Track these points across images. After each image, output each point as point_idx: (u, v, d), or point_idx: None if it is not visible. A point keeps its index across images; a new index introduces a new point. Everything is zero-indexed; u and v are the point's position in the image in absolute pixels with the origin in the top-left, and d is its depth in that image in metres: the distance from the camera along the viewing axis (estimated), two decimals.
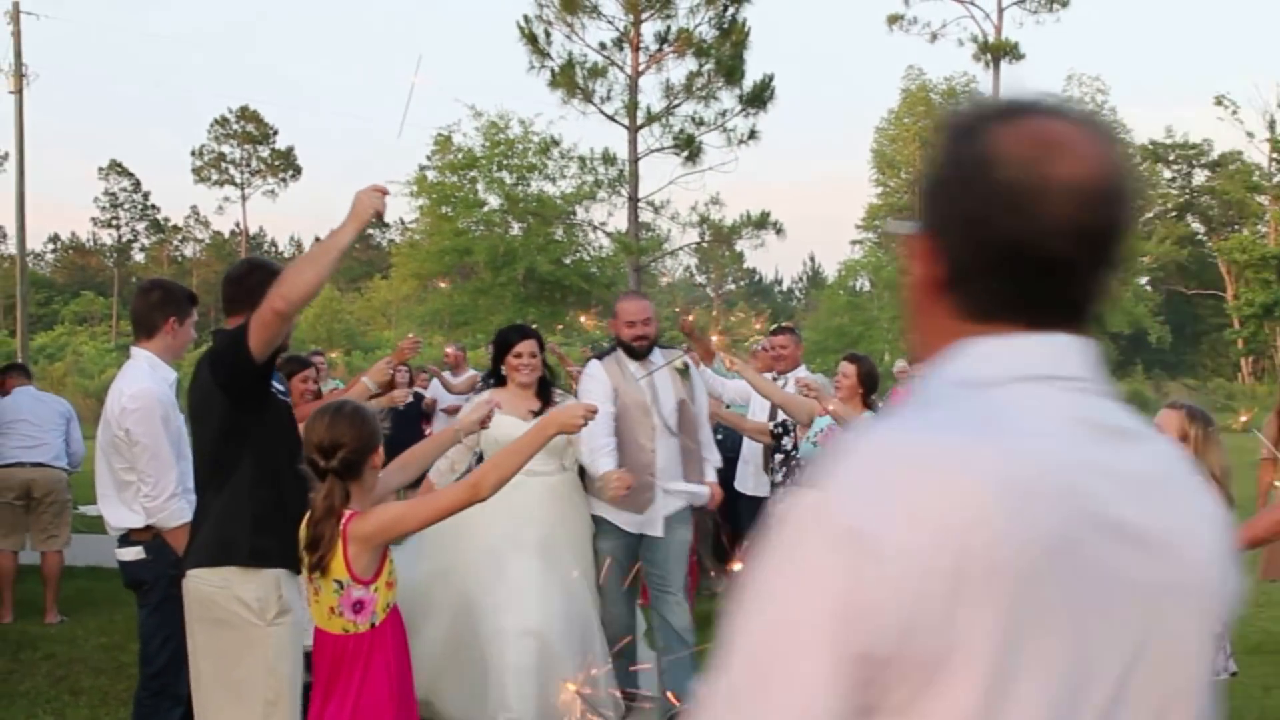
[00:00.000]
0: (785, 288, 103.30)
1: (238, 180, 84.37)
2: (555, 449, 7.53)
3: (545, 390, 7.92)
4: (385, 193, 4.92)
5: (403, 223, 49.82)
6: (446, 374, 16.22)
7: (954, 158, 1.60)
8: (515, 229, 39.71)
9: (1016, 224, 1.53)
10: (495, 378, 7.98)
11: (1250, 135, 66.03)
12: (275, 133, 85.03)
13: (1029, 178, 1.52)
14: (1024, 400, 1.54)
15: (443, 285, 34.09)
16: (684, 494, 7.99)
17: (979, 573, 1.39)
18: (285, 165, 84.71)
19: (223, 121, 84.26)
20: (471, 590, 7.47)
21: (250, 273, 5.51)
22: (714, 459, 8.39)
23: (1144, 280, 64.63)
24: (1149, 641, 1.54)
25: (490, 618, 7.35)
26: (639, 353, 7.94)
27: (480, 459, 7.63)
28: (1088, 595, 1.48)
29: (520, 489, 6.32)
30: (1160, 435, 1.64)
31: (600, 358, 8.08)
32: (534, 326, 8.49)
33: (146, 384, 6.04)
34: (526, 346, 7.80)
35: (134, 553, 6.28)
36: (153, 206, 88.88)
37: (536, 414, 7.53)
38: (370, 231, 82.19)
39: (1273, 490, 9.54)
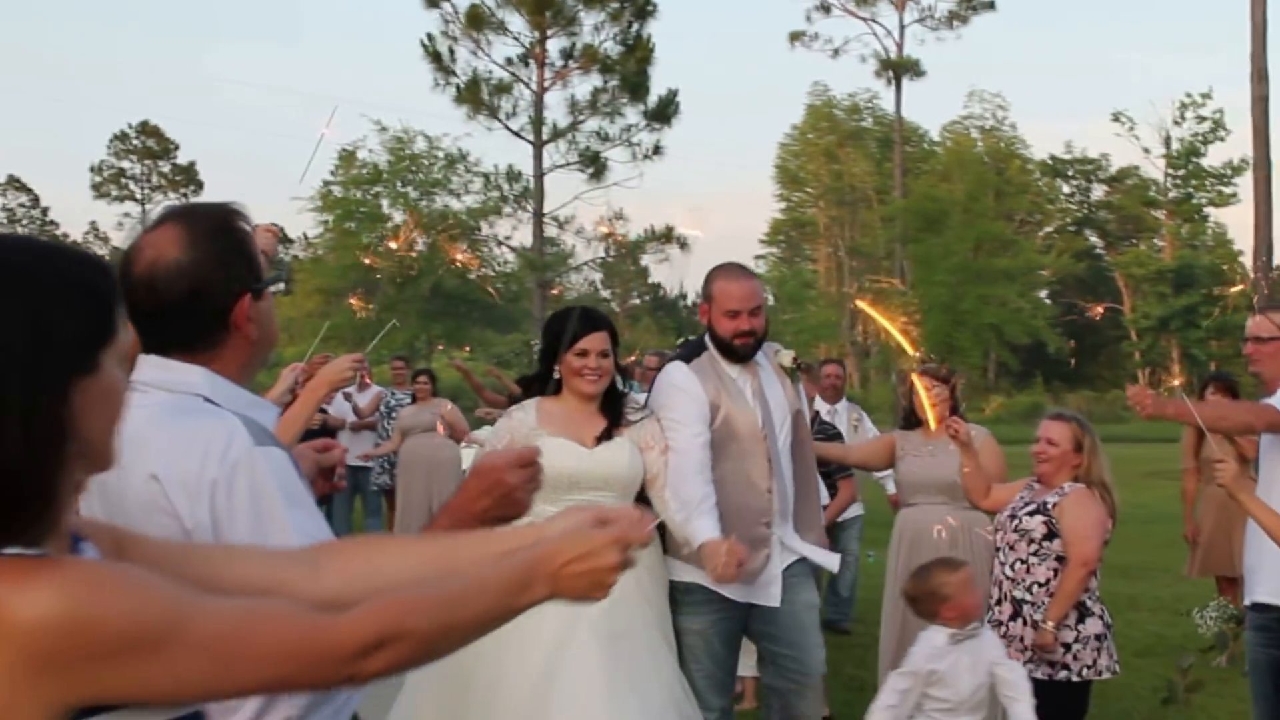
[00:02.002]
0: (690, 302, 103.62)
1: (138, 196, 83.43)
2: (622, 487, 5.35)
3: (614, 405, 5.48)
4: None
5: (306, 238, 49.56)
6: (353, 391, 15.30)
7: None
8: (420, 244, 39.63)
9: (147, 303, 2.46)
10: (543, 384, 5.46)
11: (1146, 151, 67.35)
12: (176, 148, 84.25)
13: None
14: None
15: (354, 303, 34.07)
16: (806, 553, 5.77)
17: None
18: (187, 180, 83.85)
19: (122, 137, 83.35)
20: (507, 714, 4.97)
21: None
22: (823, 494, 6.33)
23: (1043, 293, 65.51)
24: None
25: None
26: (742, 355, 5.64)
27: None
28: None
29: None
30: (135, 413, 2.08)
31: (687, 360, 5.65)
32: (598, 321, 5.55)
33: None
34: (596, 342, 5.35)
35: None
36: (51, 222, 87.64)
37: (602, 438, 5.37)
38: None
39: (1199, 496, 9.91)
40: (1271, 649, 5.78)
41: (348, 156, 43.18)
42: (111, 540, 1.82)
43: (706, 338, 5.72)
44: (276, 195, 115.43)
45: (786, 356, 5.83)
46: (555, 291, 34.90)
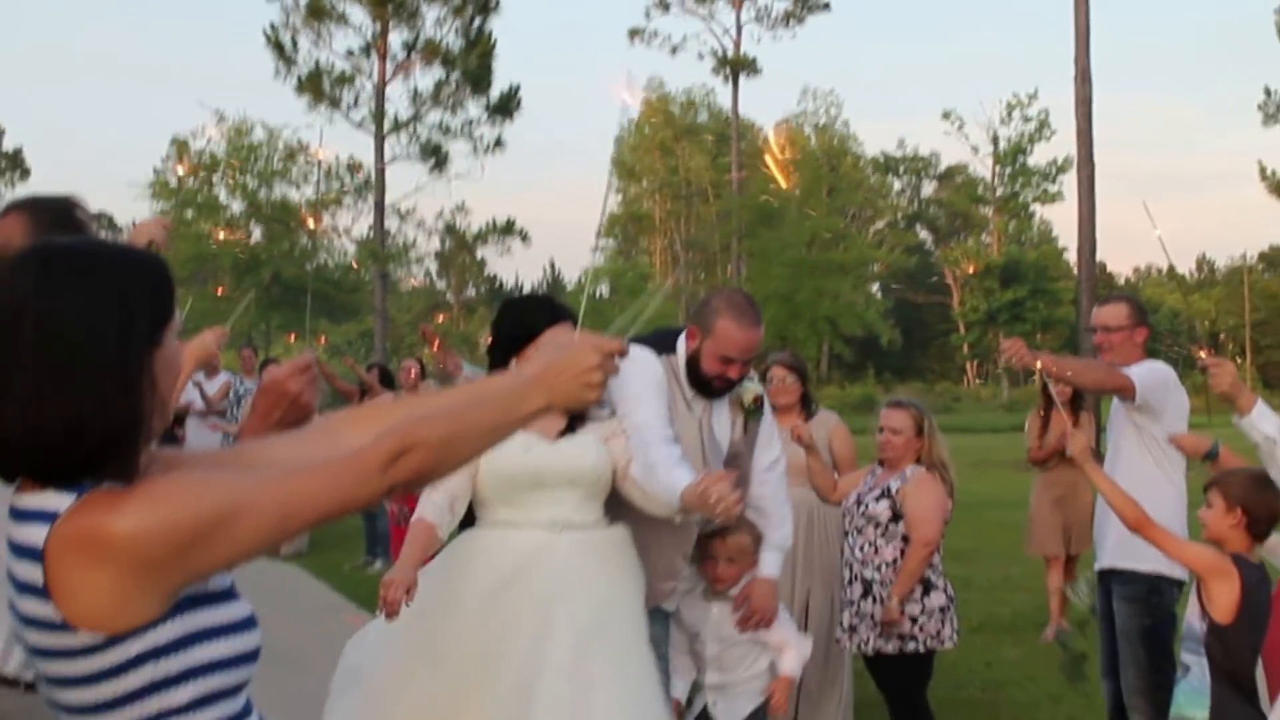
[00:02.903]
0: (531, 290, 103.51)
1: None
2: (588, 483, 4.81)
3: None
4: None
5: (136, 226, 48.69)
6: (201, 379, 14.66)
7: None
8: (258, 234, 39.33)
9: None
10: None
11: (975, 149, 68.97)
12: (1, 133, 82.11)
13: None
14: None
15: (220, 293, 33.64)
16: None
17: None
18: (13, 166, 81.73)
19: None
20: None
21: None
22: (778, 537, 5.47)
23: (875, 287, 66.83)
24: None
25: None
26: (713, 392, 5.18)
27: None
28: None
29: (542, 556, 4.67)
30: None
31: (659, 352, 5.15)
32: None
33: None
34: (564, 335, 4.75)
35: None
36: None
37: (564, 433, 4.85)
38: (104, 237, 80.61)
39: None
40: (1143, 617, 6.07)
41: (181, 145, 42.56)
42: (164, 466, 2.17)
43: (680, 347, 5.20)
44: (108, 181, 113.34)
45: (749, 394, 5.30)
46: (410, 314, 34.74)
